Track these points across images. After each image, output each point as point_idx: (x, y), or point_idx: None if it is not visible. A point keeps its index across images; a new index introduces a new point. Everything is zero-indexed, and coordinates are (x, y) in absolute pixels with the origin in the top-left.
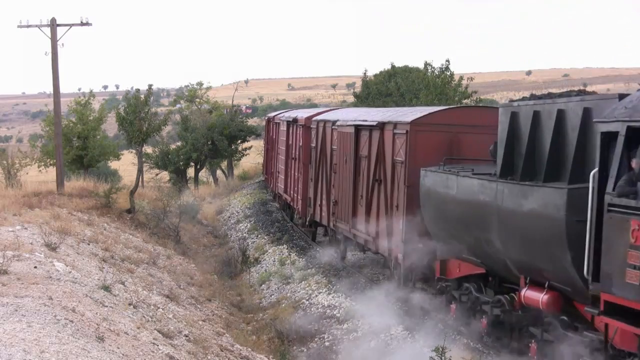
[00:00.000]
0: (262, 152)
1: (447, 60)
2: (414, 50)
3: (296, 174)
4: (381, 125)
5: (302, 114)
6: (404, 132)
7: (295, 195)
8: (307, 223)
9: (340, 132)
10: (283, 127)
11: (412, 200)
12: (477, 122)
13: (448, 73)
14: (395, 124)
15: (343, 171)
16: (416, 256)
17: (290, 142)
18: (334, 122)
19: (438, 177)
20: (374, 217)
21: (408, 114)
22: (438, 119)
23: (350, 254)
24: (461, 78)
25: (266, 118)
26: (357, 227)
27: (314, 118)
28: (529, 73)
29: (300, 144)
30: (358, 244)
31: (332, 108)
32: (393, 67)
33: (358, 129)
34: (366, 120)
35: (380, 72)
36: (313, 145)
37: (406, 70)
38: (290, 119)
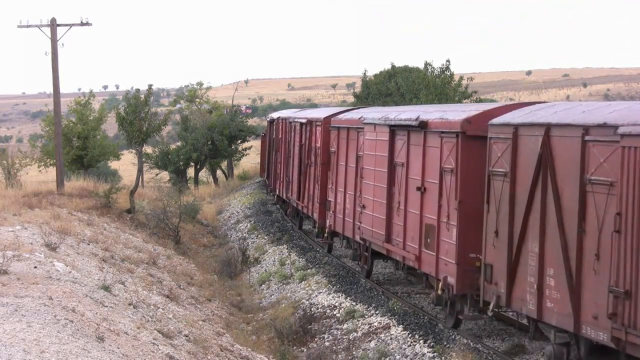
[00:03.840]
0: (267, 158)
1: (448, 61)
2: (414, 50)
3: (430, 215)
4: None
5: (423, 113)
6: None
7: (423, 249)
8: (475, 311)
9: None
10: (371, 136)
11: None
12: None
13: (448, 73)
14: None
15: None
16: None
17: (399, 159)
18: (588, 129)
19: None
20: None
21: None
22: None
23: None
24: (461, 78)
25: (294, 120)
26: None
27: (493, 122)
28: (529, 73)
29: (439, 165)
30: None
31: (496, 105)
32: (393, 67)
33: None
34: None
35: (380, 72)
36: (503, 171)
37: (406, 70)
38: (401, 123)
